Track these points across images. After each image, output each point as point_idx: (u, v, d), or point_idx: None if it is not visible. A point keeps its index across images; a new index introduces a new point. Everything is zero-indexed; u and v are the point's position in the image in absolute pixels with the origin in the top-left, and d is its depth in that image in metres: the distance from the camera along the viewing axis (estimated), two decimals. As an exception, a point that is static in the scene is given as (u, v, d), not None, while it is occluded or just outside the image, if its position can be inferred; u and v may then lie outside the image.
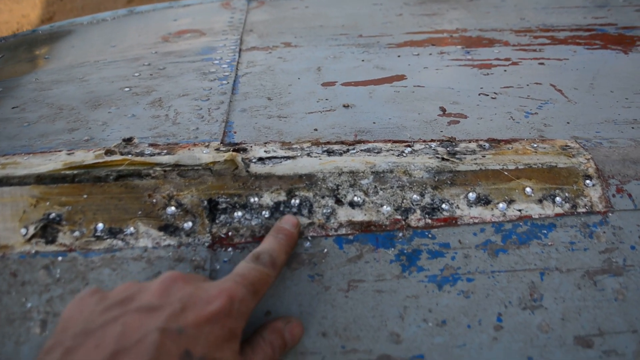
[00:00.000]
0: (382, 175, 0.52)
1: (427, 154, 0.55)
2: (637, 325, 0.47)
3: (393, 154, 0.55)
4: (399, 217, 0.51)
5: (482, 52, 0.87)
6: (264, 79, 0.78)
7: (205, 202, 0.50)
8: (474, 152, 0.56)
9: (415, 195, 0.51)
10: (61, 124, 0.65)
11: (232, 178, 0.51)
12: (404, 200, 0.51)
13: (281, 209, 0.50)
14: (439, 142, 0.58)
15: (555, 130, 0.62)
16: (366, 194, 0.51)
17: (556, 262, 0.49)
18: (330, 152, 0.56)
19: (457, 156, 0.55)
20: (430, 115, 0.66)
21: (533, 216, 0.51)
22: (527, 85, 0.75)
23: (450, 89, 0.73)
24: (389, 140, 0.59)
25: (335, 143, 0.58)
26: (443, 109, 0.67)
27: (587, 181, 0.53)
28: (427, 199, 0.51)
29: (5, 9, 3.63)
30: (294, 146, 0.57)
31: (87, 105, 0.70)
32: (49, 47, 1.04)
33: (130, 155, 0.53)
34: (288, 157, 0.55)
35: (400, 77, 0.78)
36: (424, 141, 0.59)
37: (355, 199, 0.51)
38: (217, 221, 0.50)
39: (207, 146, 0.56)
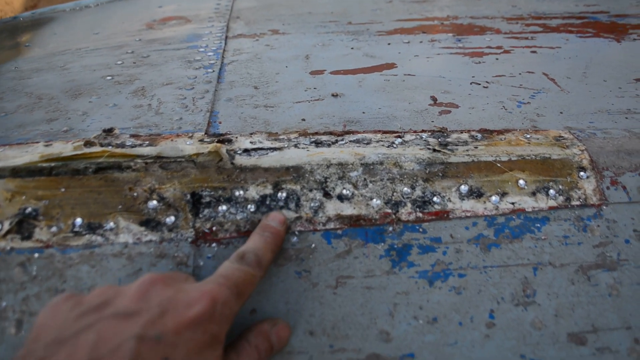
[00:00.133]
0: (371, 167, 0.51)
1: (418, 145, 0.54)
2: (631, 321, 0.46)
3: (383, 145, 0.54)
4: (389, 210, 0.49)
5: (474, 40, 0.86)
6: (251, 67, 0.76)
7: (189, 196, 0.48)
8: (466, 143, 0.54)
9: (405, 188, 0.50)
10: (40, 114, 0.62)
11: (216, 170, 0.50)
12: (394, 193, 0.50)
13: (267, 202, 0.49)
14: (430, 133, 0.57)
15: (549, 120, 0.61)
16: (355, 186, 0.50)
17: (549, 256, 0.48)
18: (318, 143, 0.54)
19: (448, 147, 0.53)
20: (421, 104, 0.64)
21: (526, 209, 0.50)
22: (520, 74, 0.73)
23: (442, 78, 0.72)
24: (379, 131, 0.57)
25: (324, 134, 0.57)
26: (434, 99, 0.66)
27: (582, 173, 0.52)
28: (418, 192, 0.50)
29: (-12, -5, 3.56)
30: (281, 137, 0.55)
31: (67, 95, 0.68)
32: (30, 34, 1.01)
33: (110, 147, 0.51)
34: (275, 149, 0.53)
35: (391, 66, 0.76)
36: (415, 132, 0.57)
37: (344, 192, 0.50)
38: (200, 216, 0.48)
39: (191, 137, 0.54)
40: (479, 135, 0.56)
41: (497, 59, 0.78)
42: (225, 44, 0.85)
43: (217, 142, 0.53)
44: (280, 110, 0.63)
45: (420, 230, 0.49)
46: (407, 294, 0.46)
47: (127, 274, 0.46)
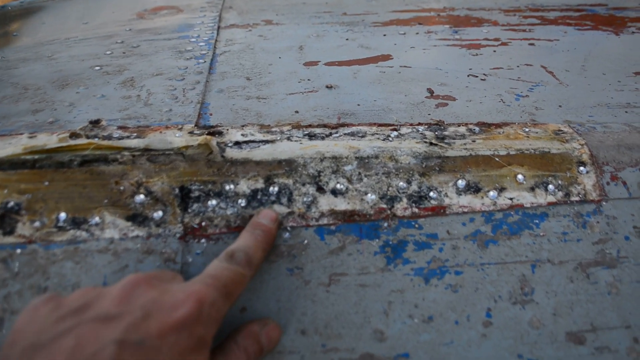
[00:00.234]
0: (366, 161, 0.49)
1: (415, 138, 0.52)
2: (631, 320, 0.45)
3: (378, 138, 0.52)
4: (384, 206, 0.48)
5: (471, 32, 0.84)
6: (243, 58, 0.74)
7: (177, 190, 0.47)
8: (463, 136, 0.53)
9: (401, 183, 0.49)
10: (25, 104, 0.60)
11: (206, 164, 0.48)
12: (390, 188, 0.48)
13: (259, 197, 0.47)
14: (426, 126, 0.55)
15: (547, 113, 0.59)
16: (350, 181, 0.48)
17: (548, 253, 0.47)
18: (311, 136, 0.53)
19: (445, 141, 0.52)
20: (418, 97, 0.63)
21: (525, 205, 0.49)
22: (518, 66, 0.72)
23: (438, 70, 0.70)
24: (374, 124, 0.56)
25: (317, 126, 0.55)
26: (431, 91, 0.64)
27: (581, 168, 0.51)
28: (414, 187, 0.49)
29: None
30: (273, 129, 0.54)
31: (54, 85, 0.66)
32: (18, 23, 0.99)
33: (96, 139, 0.49)
34: (267, 141, 0.51)
35: (386, 57, 0.74)
36: (411, 125, 0.56)
37: (338, 186, 0.48)
38: (189, 210, 0.46)
39: (180, 129, 0.53)
40: (477, 129, 0.55)
41: (494, 51, 0.77)
42: (218, 34, 0.83)
43: (208, 134, 0.51)
44: (273, 102, 0.61)
45: (416, 226, 0.47)
46: (402, 291, 0.45)
47: (113, 271, 0.44)
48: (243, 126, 0.54)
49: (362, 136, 0.53)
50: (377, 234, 0.47)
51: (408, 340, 0.43)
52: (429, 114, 0.58)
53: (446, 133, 0.54)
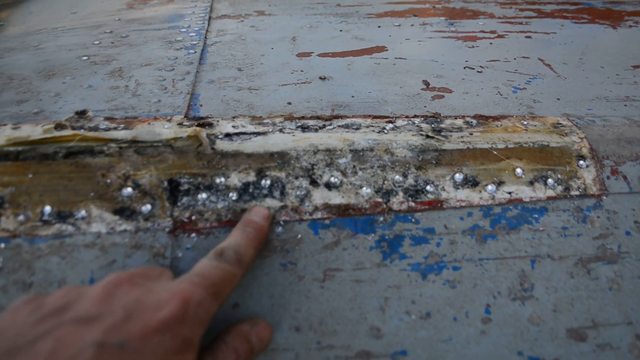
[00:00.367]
0: (361, 153, 0.48)
1: (410, 130, 0.51)
2: (633, 316, 0.44)
3: (373, 131, 0.51)
4: (380, 199, 0.46)
5: (467, 24, 0.83)
6: (235, 49, 0.72)
7: (166, 183, 0.45)
8: (460, 129, 0.52)
9: (397, 176, 0.47)
10: (9, 95, 0.59)
11: (195, 156, 0.46)
12: (385, 182, 0.47)
13: (250, 190, 0.46)
14: (422, 118, 0.54)
15: (546, 106, 0.58)
16: (344, 174, 0.47)
17: (548, 248, 0.46)
18: (304, 128, 0.51)
19: (442, 133, 0.51)
20: (413, 89, 0.61)
21: (524, 199, 0.47)
22: (514, 59, 0.71)
23: (434, 62, 0.69)
24: (369, 116, 0.54)
25: (311, 118, 0.54)
26: (426, 83, 0.63)
27: (581, 162, 0.50)
28: (410, 180, 0.47)
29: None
30: (265, 121, 0.52)
31: (40, 75, 0.64)
32: (6, 12, 0.96)
33: (82, 130, 0.48)
34: (258, 133, 0.50)
35: (381, 49, 0.73)
36: (407, 117, 0.54)
37: (332, 179, 0.47)
38: (178, 204, 0.45)
39: (169, 120, 0.51)
40: (474, 122, 0.53)
41: (490, 43, 0.76)
42: (209, 24, 0.81)
43: (197, 125, 0.50)
44: (265, 93, 0.60)
45: (413, 220, 0.46)
46: (398, 287, 0.44)
47: (100, 266, 0.43)
48: (234, 117, 0.53)
49: (357, 128, 0.51)
50: (372, 229, 0.45)
51: (405, 337, 0.42)
52: (425, 106, 0.57)
53: (443, 126, 0.52)
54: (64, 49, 0.73)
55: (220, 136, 0.49)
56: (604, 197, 0.48)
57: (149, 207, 0.44)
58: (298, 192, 0.46)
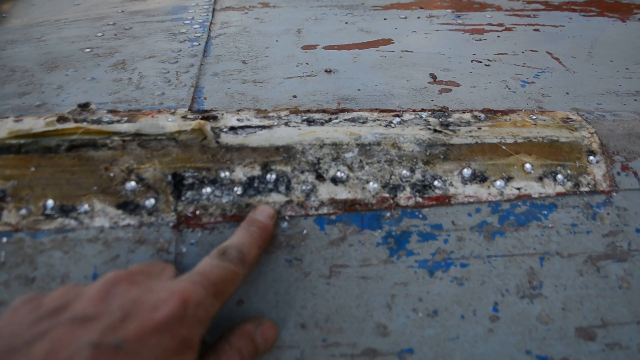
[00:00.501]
0: (368, 148, 0.47)
1: (418, 124, 0.50)
2: (643, 315, 0.44)
3: (380, 125, 0.50)
4: (387, 195, 0.46)
5: (474, 17, 0.82)
6: (239, 41, 0.71)
7: (170, 177, 0.45)
8: (468, 123, 0.51)
9: (404, 171, 0.46)
10: (12, 87, 0.58)
11: (200, 149, 0.46)
12: (393, 177, 0.46)
13: (255, 184, 0.45)
14: (430, 112, 0.53)
15: (555, 101, 0.57)
16: (350, 168, 0.46)
17: (557, 246, 0.45)
18: (310, 122, 0.50)
19: (450, 128, 0.50)
20: (420, 82, 0.60)
21: (533, 195, 0.47)
22: (522, 52, 0.70)
23: (441, 55, 0.68)
24: (376, 109, 0.53)
25: (316, 111, 0.53)
26: (433, 76, 0.62)
27: (591, 157, 0.49)
28: (417, 175, 0.47)
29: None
30: (271, 114, 0.52)
31: (42, 67, 0.63)
32: (8, 4, 0.95)
33: (85, 123, 0.47)
34: (263, 127, 0.49)
35: (387, 42, 0.72)
36: (414, 111, 0.53)
37: (339, 174, 0.46)
38: (183, 198, 0.44)
39: (173, 113, 0.50)
40: (482, 116, 0.53)
41: (498, 36, 0.75)
42: (213, 16, 0.81)
43: (202, 118, 0.49)
44: (270, 86, 0.59)
45: (420, 216, 0.45)
46: (405, 284, 0.43)
47: (103, 261, 0.42)
48: (239, 111, 0.52)
49: (363, 122, 0.51)
50: (379, 224, 0.45)
51: (412, 335, 0.42)
52: (432, 100, 0.56)
53: (450, 120, 0.52)
54: (66, 41, 0.72)
55: (224, 129, 0.48)
56: (614, 194, 0.48)
57: (152, 201, 0.44)
58: (304, 187, 0.45)
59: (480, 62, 0.66)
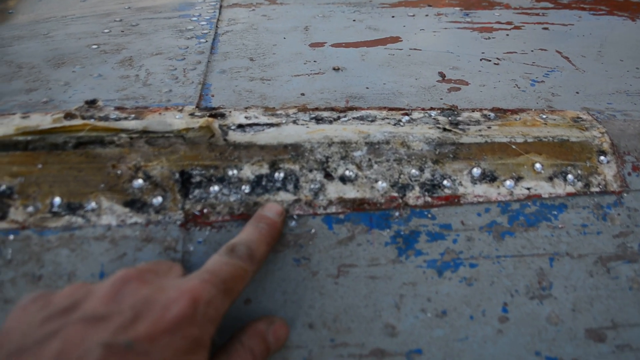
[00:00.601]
0: (377, 146, 0.47)
1: (427, 123, 0.50)
2: (654, 316, 0.43)
3: (389, 123, 0.50)
4: (396, 194, 0.45)
5: (482, 15, 0.81)
6: (247, 38, 0.71)
7: (177, 175, 0.44)
8: (478, 122, 0.51)
9: (413, 170, 0.46)
10: (19, 83, 0.58)
11: (207, 147, 0.46)
12: (402, 176, 0.46)
13: (263, 183, 0.45)
14: (439, 111, 0.53)
15: (565, 100, 0.57)
16: (359, 167, 0.46)
17: (567, 246, 0.45)
18: (318, 120, 0.50)
19: (459, 127, 0.49)
20: (429, 80, 0.60)
21: (543, 195, 0.46)
22: (532, 51, 0.69)
23: (450, 53, 0.68)
24: (384, 108, 0.53)
25: (325, 109, 0.52)
26: (442, 75, 0.62)
27: (602, 157, 0.48)
28: (427, 175, 0.46)
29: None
30: (279, 112, 0.51)
31: (49, 64, 0.63)
32: (15, 1, 0.95)
33: (92, 120, 0.47)
34: (271, 125, 0.49)
35: (395, 39, 0.72)
36: (423, 109, 0.53)
37: (347, 173, 0.46)
38: (190, 196, 0.44)
39: (181, 110, 0.50)
40: (492, 115, 0.52)
41: (507, 34, 0.74)
42: (220, 13, 0.80)
43: (209, 116, 0.49)
44: (278, 83, 0.58)
45: (429, 216, 0.45)
46: (414, 284, 0.43)
47: (110, 259, 0.42)
48: (246, 108, 0.52)
49: (372, 120, 0.50)
50: (388, 224, 0.44)
51: (420, 335, 0.41)
52: (441, 99, 0.56)
53: (460, 118, 0.51)
54: (73, 38, 0.72)
55: (232, 127, 0.48)
56: (625, 194, 0.47)
57: (160, 199, 0.44)
58: (312, 186, 0.45)
59: (490, 60, 0.66)
